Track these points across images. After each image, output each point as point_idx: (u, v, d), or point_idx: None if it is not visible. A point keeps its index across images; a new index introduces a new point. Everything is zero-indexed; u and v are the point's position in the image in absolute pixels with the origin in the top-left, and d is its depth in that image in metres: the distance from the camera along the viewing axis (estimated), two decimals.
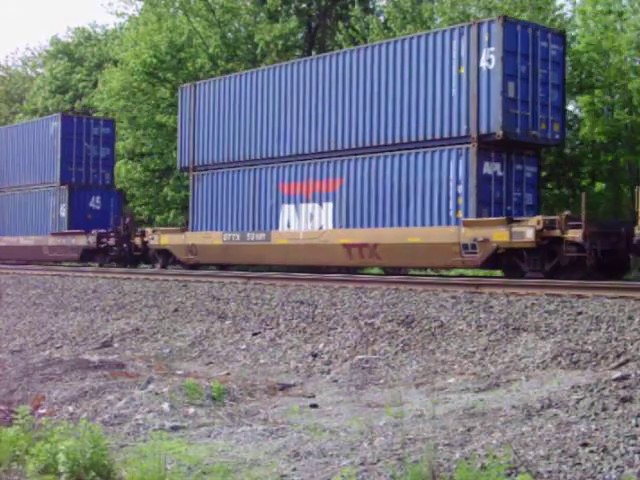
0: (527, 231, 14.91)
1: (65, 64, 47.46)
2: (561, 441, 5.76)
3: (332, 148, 18.84)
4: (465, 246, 15.85)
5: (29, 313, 16.06)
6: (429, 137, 17.04)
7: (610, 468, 5.21)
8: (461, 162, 16.39)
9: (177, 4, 35.45)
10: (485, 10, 26.14)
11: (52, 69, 47.83)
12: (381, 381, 9.15)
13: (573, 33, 27.07)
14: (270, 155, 20.26)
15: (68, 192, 27.73)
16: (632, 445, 5.53)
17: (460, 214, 16.33)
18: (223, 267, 22.21)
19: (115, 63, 37.28)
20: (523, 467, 5.27)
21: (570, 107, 27.23)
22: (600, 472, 5.17)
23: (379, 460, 5.78)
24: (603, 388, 7.15)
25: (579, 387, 7.33)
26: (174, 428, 7.32)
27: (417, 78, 17.33)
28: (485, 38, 16.27)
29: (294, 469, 5.87)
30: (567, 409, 6.70)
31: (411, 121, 17.39)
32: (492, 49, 16.16)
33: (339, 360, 10.28)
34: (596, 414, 6.44)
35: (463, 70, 16.56)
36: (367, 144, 18.21)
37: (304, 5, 35.79)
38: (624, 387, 7.12)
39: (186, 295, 15.31)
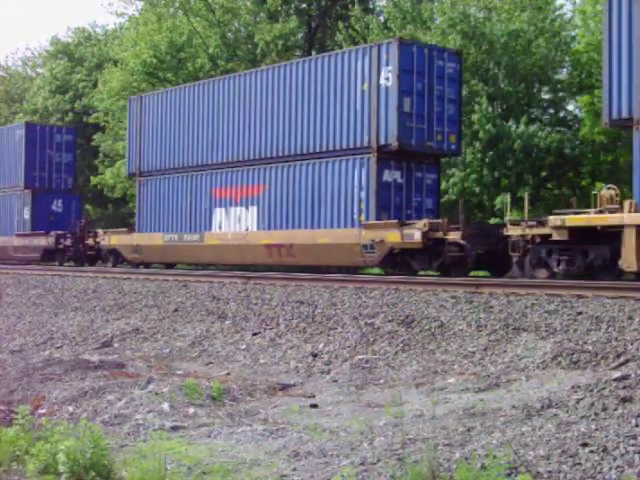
0: (415, 233, 16.72)
1: (65, 64, 47.44)
2: (561, 441, 5.76)
3: (257, 156, 20.69)
4: (365, 246, 17.58)
5: (29, 313, 16.06)
6: (337, 147, 18.80)
7: (610, 468, 5.21)
8: (363, 170, 18.15)
9: (177, 4, 35.45)
10: (485, 10, 26.14)
11: (52, 69, 47.81)
12: (381, 381, 9.15)
13: (573, 33, 27.09)
14: (205, 162, 22.21)
15: (32, 196, 29.78)
16: (632, 445, 5.53)
17: (362, 218, 18.02)
18: (169, 266, 24.08)
19: (115, 63, 37.28)
20: (523, 467, 5.27)
21: (570, 107, 27.26)
22: (600, 472, 5.17)
23: (379, 460, 5.78)
24: (603, 388, 7.15)
25: (579, 387, 7.33)
26: (174, 428, 7.32)
27: (328, 94, 19.08)
28: (384, 58, 18.03)
29: (294, 469, 5.87)
30: (567, 409, 6.70)
31: (322, 133, 19.13)
32: (390, 68, 17.89)
33: (339, 360, 10.28)
34: (596, 414, 6.44)
35: (366, 87, 18.24)
36: (286, 153, 20.01)
37: (304, 5, 35.79)
38: (624, 387, 7.12)
39: (186, 295, 15.31)
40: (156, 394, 8.43)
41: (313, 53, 34.93)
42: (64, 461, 6.00)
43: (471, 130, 24.19)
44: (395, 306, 11.87)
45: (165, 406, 7.98)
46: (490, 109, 24.71)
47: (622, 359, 8.32)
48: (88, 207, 37.32)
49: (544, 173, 25.44)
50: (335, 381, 9.42)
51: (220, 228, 21.45)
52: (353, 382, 9.16)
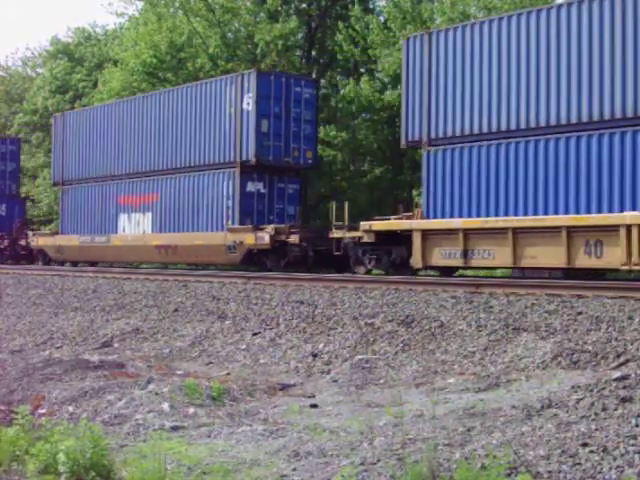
0: (265, 236, 20.14)
1: (65, 64, 47.43)
2: (561, 441, 5.76)
3: (152, 169, 24.37)
4: (229, 247, 20.97)
5: (29, 313, 16.06)
6: (211, 162, 22.46)
7: (610, 468, 5.21)
8: (230, 182, 21.66)
9: (177, 4, 35.42)
10: (485, 10, 26.14)
11: (52, 69, 47.80)
12: (381, 381, 9.15)
13: None
14: (112, 173, 25.96)
15: None
16: (632, 445, 5.53)
17: (229, 223, 21.36)
18: (92, 264, 27.24)
19: (115, 63, 37.27)
20: (523, 467, 5.27)
21: None
22: (600, 472, 5.17)
23: (379, 460, 5.78)
24: (603, 388, 7.14)
25: (579, 387, 7.33)
26: (174, 428, 7.32)
27: (205, 116, 22.69)
28: (246, 85, 21.50)
29: (294, 469, 5.87)
30: (567, 409, 6.70)
31: (200, 149, 22.79)
32: (250, 94, 21.32)
33: (339, 360, 10.28)
34: (596, 414, 6.44)
35: (232, 110, 21.77)
36: (173, 166, 23.70)
37: (304, 5, 35.75)
38: (624, 387, 7.12)
39: (186, 295, 15.31)
40: (156, 394, 8.43)
41: (313, 53, 34.97)
42: (64, 461, 6.01)
43: None
44: (395, 306, 11.87)
45: (165, 406, 7.98)
46: None
47: (622, 359, 8.32)
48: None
49: None
50: (335, 381, 9.42)
51: (123, 231, 25.18)
52: (353, 382, 9.16)
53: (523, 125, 15.77)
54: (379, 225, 17.61)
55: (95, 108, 28.45)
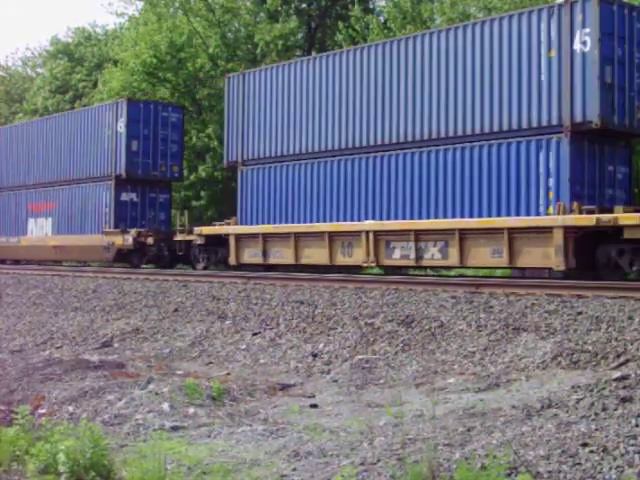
0: (129, 238, 23.86)
1: (65, 64, 47.45)
2: (561, 441, 5.76)
3: (51, 180, 28.18)
4: (105, 247, 24.72)
5: (29, 313, 16.06)
6: (94, 175, 26.05)
7: (610, 468, 5.21)
8: (108, 192, 25.43)
9: (177, 4, 35.45)
10: (485, 10, 26.13)
11: (52, 69, 47.82)
12: (381, 381, 9.15)
13: None
14: (25, 183, 29.67)
15: None
16: (632, 445, 5.53)
17: (106, 227, 25.11)
18: (15, 262, 30.75)
19: (115, 63, 37.26)
20: (523, 467, 5.27)
21: None
22: (600, 472, 5.17)
23: (379, 460, 5.78)
24: (603, 388, 7.15)
25: (579, 387, 7.33)
26: (174, 428, 7.32)
27: (91, 136, 26.54)
28: (120, 111, 25.32)
29: (294, 469, 5.87)
30: (567, 409, 6.70)
31: (87, 164, 26.40)
32: (122, 119, 25.14)
33: (339, 360, 10.28)
34: (596, 414, 6.44)
35: (109, 132, 25.51)
36: (65, 178, 27.38)
37: (304, 5, 35.78)
38: (624, 387, 7.12)
39: (186, 295, 15.31)
40: (156, 394, 8.43)
41: (313, 53, 34.92)
42: (64, 461, 6.00)
43: None
44: (395, 306, 11.87)
45: (165, 406, 7.98)
46: None
47: (622, 359, 8.32)
48: None
49: None
50: (335, 381, 9.41)
51: (31, 233, 29.04)
52: (353, 382, 9.16)
53: (304, 150, 19.50)
54: (207, 230, 21.60)
55: (14, 127, 33.21)
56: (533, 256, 14.86)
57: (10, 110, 52.95)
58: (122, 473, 6.02)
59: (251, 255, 20.08)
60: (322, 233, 18.39)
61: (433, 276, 17.35)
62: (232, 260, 20.36)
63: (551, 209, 14.87)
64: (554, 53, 15.03)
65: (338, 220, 18.45)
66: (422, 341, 10.26)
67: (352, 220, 18.16)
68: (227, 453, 6.44)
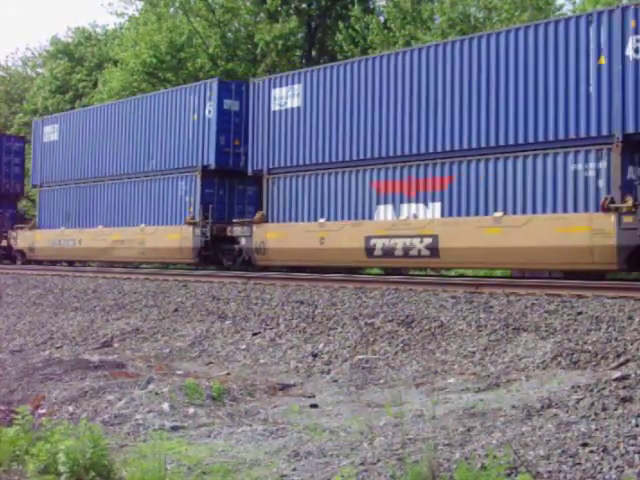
0: None
1: (65, 64, 47.44)
2: (561, 441, 5.76)
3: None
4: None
5: (29, 313, 16.06)
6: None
7: (610, 468, 5.21)
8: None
9: (177, 4, 35.45)
10: (485, 10, 26.16)
11: (52, 69, 47.82)
12: (381, 381, 9.15)
13: None
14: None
15: None
16: (632, 445, 5.53)
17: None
18: None
19: (115, 63, 37.29)
20: (523, 467, 5.27)
21: None
22: (600, 472, 5.17)
23: (379, 460, 5.78)
24: (603, 388, 7.15)
25: (579, 387, 7.33)
26: (174, 428, 7.32)
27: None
28: None
29: (294, 469, 5.87)
30: (567, 409, 6.70)
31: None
32: None
33: (339, 360, 10.28)
34: (596, 414, 6.44)
35: None
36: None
37: (304, 5, 35.77)
38: (624, 387, 7.12)
39: (186, 295, 15.31)
40: (156, 394, 8.43)
41: (313, 53, 34.97)
42: (64, 461, 6.00)
43: None
44: (395, 306, 11.87)
45: (165, 406, 7.98)
46: None
47: (622, 359, 8.32)
48: None
49: None
50: (335, 381, 9.41)
51: None
52: (353, 382, 9.16)
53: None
54: None
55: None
56: None
57: (10, 110, 52.93)
58: (122, 473, 6.02)
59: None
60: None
61: (433, 276, 17.28)
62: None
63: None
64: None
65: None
66: (422, 341, 10.26)
67: None
68: (227, 453, 6.44)
